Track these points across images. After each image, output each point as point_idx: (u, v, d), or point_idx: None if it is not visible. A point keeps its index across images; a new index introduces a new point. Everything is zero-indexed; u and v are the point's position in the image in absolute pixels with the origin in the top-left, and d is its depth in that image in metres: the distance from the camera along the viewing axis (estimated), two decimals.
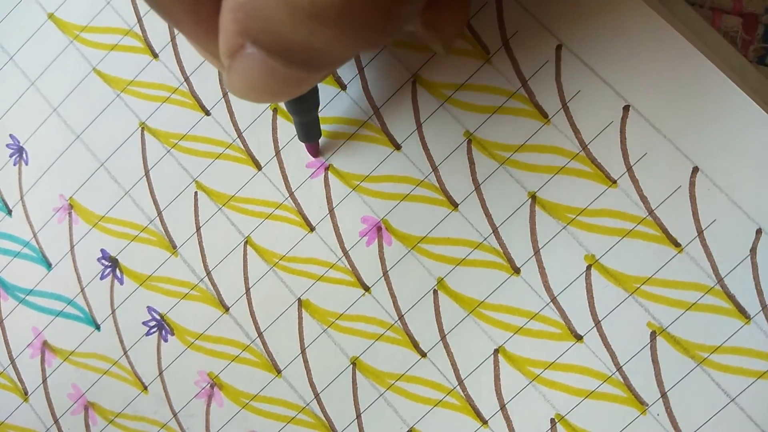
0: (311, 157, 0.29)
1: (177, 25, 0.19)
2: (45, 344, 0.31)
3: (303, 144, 0.29)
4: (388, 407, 0.28)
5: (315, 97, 0.26)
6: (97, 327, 0.31)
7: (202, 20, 0.18)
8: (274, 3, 0.16)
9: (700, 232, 0.26)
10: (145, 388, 0.30)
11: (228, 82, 0.19)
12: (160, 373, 0.30)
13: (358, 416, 0.29)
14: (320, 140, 0.29)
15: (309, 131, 0.28)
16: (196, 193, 0.30)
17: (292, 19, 0.16)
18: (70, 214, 0.31)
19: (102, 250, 0.31)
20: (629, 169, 0.27)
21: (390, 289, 0.28)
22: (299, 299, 0.29)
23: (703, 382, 0.26)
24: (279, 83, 0.18)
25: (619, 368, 0.26)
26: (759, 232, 0.26)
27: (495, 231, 0.28)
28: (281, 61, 0.17)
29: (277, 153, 0.29)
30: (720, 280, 0.26)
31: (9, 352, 0.31)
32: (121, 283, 0.30)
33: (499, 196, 0.28)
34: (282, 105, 0.29)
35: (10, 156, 0.32)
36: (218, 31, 0.18)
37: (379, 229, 0.28)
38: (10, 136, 0.32)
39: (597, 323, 0.27)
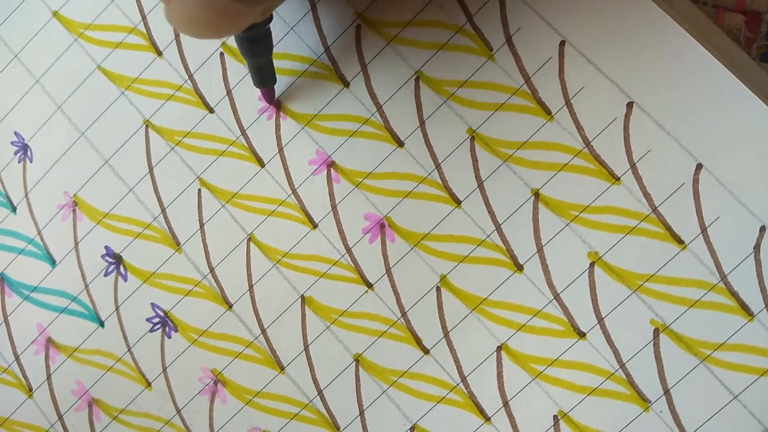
0: (265, 102, 0.29)
1: None
2: (49, 341, 0.31)
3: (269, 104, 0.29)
4: (391, 404, 0.28)
5: (268, 39, 0.27)
6: (101, 324, 0.31)
7: None
8: None
9: (703, 230, 0.26)
10: (149, 384, 0.30)
11: (168, 13, 0.19)
12: (164, 370, 0.30)
13: (361, 413, 0.29)
14: (321, 137, 0.29)
15: (263, 76, 0.28)
16: (199, 190, 0.30)
17: None
18: (74, 211, 0.31)
19: (106, 247, 0.31)
20: (633, 166, 0.27)
21: (393, 286, 0.28)
22: (302, 296, 0.29)
23: (706, 379, 0.26)
24: (216, 14, 0.19)
25: (622, 365, 0.26)
26: (763, 229, 0.26)
27: (498, 228, 0.28)
28: None
29: (280, 150, 0.29)
30: (723, 278, 0.26)
31: (14, 348, 0.31)
32: (125, 279, 0.30)
33: (502, 194, 0.28)
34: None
35: (15, 153, 0.32)
36: None
37: (382, 226, 0.28)
38: (15, 133, 0.32)
39: (600, 320, 0.27)
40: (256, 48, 0.27)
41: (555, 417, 0.27)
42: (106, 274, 0.31)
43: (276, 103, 0.29)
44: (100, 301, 0.31)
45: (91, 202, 0.31)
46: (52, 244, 0.31)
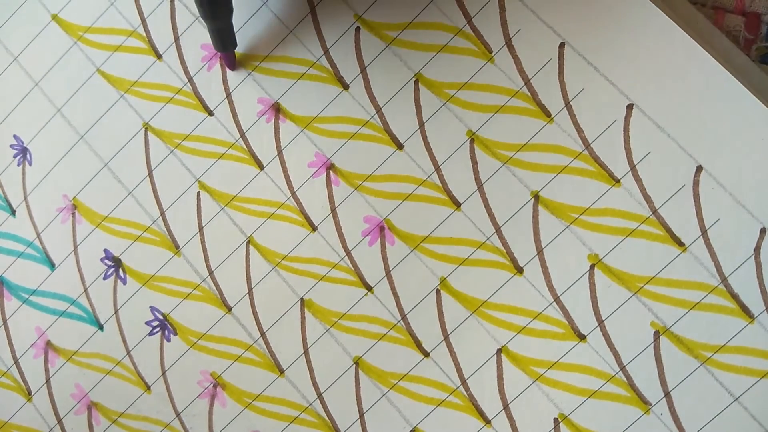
0: (229, 69, 0.30)
1: None
2: (48, 344, 0.31)
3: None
4: (391, 407, 0.28)
5: (228, 1, 0.27)
6: (101, 327, 0.31)
7: None
8: None
9: (703, 232, 0.26)
10: (148, 388, 0.30)
11: None
12: (163, 373, 0.30)
13: (361, 416, 0.28)
14: (321, 140, 0.29)
15: (224, 39, 0.28)
16: (198, 193, 0.30)
17: None
18: (73, 214, 0.31)
19: (105, 250, 0.31)
20: (633, 168, 0.26)
21: (393, 288, 0.28)
22: (302, 299, 0.29)
23: (706, 381, 0.26)
24: None
25: (623, 368, 0.26)
26: (763, 231, 0.25)
27: (498, 230, 0.28)
28: None
29: (279, 153, 0.29)
30: (724, 280, 0.26)
31: (12, 352, 0.31)
32: (124, 283, 0.30)
33: (501, 196, 0.28)
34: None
35: (14, 156, 0.32)
36: None
37: (382, 228, 0.28)
38: (14, 136, 0.32)
39: (600, 323, 0.27)
40: (217, 9, 0.27)
41: (555, 420, 0.27)
42: (105, 278, 0.31)
43: (275, 105, 0.29)
44: (99, 305, 0.31)
45: (91, 205, 0.31)
46: (51, 247, 0.31)
